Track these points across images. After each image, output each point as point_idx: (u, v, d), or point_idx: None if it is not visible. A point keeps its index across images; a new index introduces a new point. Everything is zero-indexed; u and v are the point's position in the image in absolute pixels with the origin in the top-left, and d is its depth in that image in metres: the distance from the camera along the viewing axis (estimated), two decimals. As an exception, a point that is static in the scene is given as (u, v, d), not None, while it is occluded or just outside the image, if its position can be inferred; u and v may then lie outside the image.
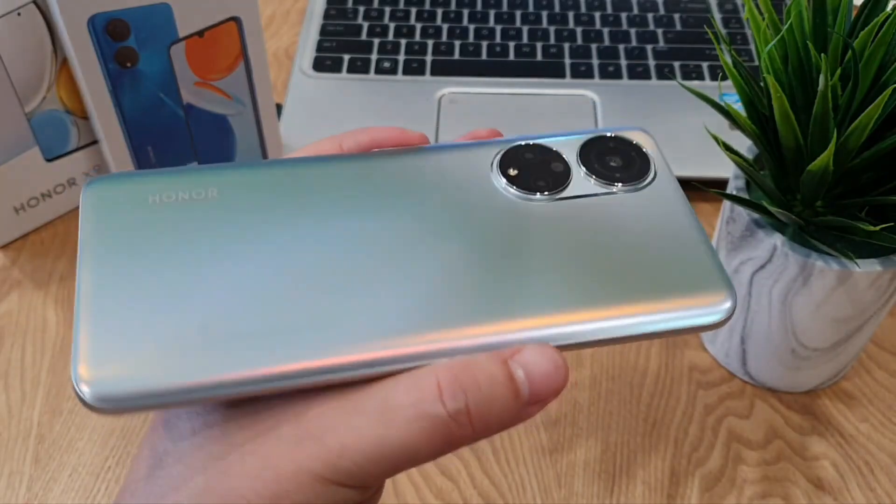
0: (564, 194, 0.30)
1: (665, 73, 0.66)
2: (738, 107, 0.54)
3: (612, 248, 0.28)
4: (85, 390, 0.23)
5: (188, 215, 0.28)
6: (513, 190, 0.29)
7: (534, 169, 0.30)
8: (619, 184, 0.30)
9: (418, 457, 0.25)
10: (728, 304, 0.27)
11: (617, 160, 0.31)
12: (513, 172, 0.30)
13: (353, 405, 0.25)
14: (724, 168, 0.58)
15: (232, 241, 0.27)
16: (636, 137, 0.32)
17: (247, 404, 0.26)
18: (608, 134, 0.32)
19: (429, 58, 0.67)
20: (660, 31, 0.70)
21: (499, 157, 0.30)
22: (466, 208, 0.29)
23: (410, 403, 0.25)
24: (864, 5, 0.41)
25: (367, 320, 0.26)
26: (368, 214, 0.29)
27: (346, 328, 0.26)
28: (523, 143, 0.31)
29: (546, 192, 0.29)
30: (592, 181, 0.30)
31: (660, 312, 0.26)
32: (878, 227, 0.38)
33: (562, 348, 0.26)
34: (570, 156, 0.31)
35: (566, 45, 0.68)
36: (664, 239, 0.28)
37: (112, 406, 0.23)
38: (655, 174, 0.30)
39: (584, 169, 0.30)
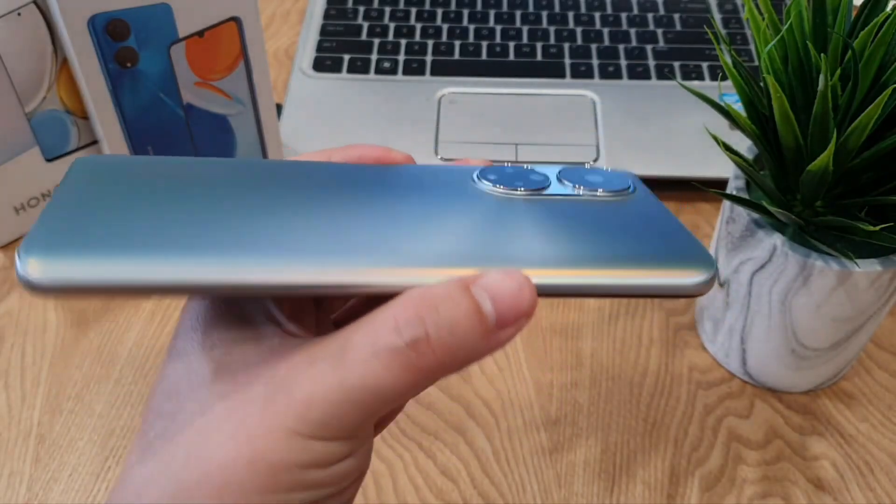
0: (546, 193, 0.30)
1: (665, 74, 0.66)
2: (737, 107, 0.54)
3: (595, 229, 0.28)
4: (23, 256, 0.23)
5: (167, 174, 0.28)
6: (495, 188, 0.30)
7: (515, 177, 0.31)
8: (600, 189, 0.31)
9: (386, 394, 0.24)
10: (707, 274, 0.27)
11: (597, 178, 0.32)
12: (493, 177, 0.31)
13: (316, 354, 0.25)
14: (723, 168, 0.58)
15: (205, 189, 0.28)
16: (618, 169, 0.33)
17: (224, 368, 0.25)
18: (588, 165, 0.32)
19: (429, 58, 0.67)
20: (660, 32, 0.70)
21: (480, 169, 0.31)
22: (448, 193, 0.29)
23: (367, 342, 0.24)
24: (863, 5, 0.41)
25: (326, 247, 0.25)
26: (348, 186, 0.29)
27: (302, 249, 0.25)
28: (506, 163, 0.32)
29: (527, 190, 0.30)
30: (572, 188, 0.31)
31: (641, 271, 0.26)
32: (877, 227, 0.38)
33: (541, 292, 0.25)
34: (552, 174, 0.32)
35: (566, 45, 0.68)
36: (646, 228, 0.29)
37: (46, 274, 0.23)
38: (635, 189, 0.31)
39: (565, 181, 0.31)
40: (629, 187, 0.31)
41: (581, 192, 0.31)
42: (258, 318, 0.27)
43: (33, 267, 0.22)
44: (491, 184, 0.30)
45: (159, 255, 0.24)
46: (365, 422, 0.25)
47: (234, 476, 0.24)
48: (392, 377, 0.24)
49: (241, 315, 0.27)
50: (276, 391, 0.24)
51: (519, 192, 0.30)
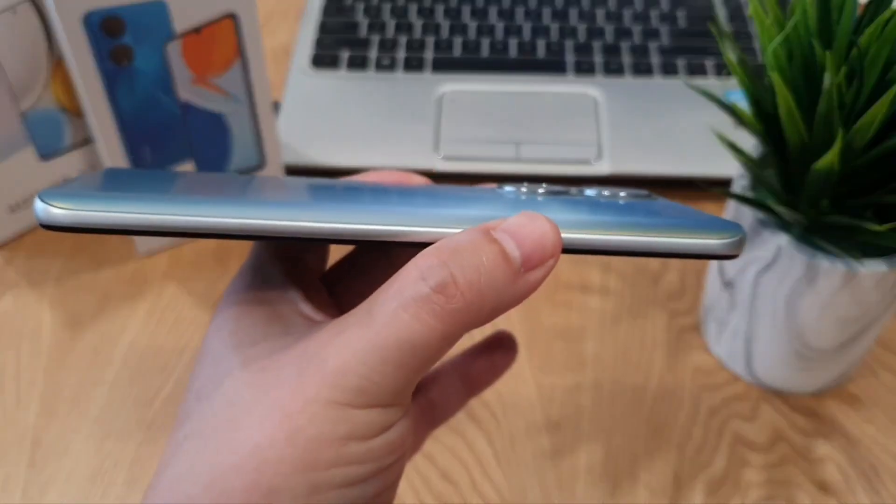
0: (569, 195, 0.31)
1: (669, 71, 0.66)
2: (742, 105, 0.54)
3: (623, 210, 0.28)
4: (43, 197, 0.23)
5: (188, 178, 0.30)
6: (519, 189, 0.31)
7: (537, 187, 0.32)
8: (622, 192, 0.31)
9: (420, 346, 0.23)
10: (737, 236, 0.26)
11: (616, 189, 0.32)
12: (516, 186, 0.32)
13: (344, 323, 0.24)
14: (728, 166, 0.58)
15: (232, 187, 0.29)
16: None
17: (252, 360, 0.25)
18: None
19: (429, 55, 0.67)
20: (663, 28, 0.69)
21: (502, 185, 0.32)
22: (475, 194, 0.30)
23: (393, 297, 0.23)
24: (869, 2, 0.40)
25: (345, 204, 0.25)
26: (374, 189, 0.30)
27: (325, 205, 0.25)
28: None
29: (550, 192, 0.31)
30: (595, 193, 0.31)
31: (672, 235, 0.26)
32: (884, 227, 0.38)
33: (570, 248, 0.25)
34: (572, 189, 0.32)
35: (568, 42, 0.68)
36: (674, 212, 0.29)
37: (65, 207, 0.23)
38: (654, 197, 0.32)
39: (586, 191, 0.32)
40: (648, 195, 0.32)
41: (604, 194, 0.31)
42: (286, 313, 0.27)
43: (52, 195, 0.23)
44: (515, 189, 0.31)
45: (176, 200, 0.24)
46: (403, 383, 0.24)
47: (272, 454, 0.23)
48: (423, 327, 0.23)
49: (270, 312, 0.27)
50: (307, 365, 0.24)
51: (542, 191, 0.31)
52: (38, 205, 0.23)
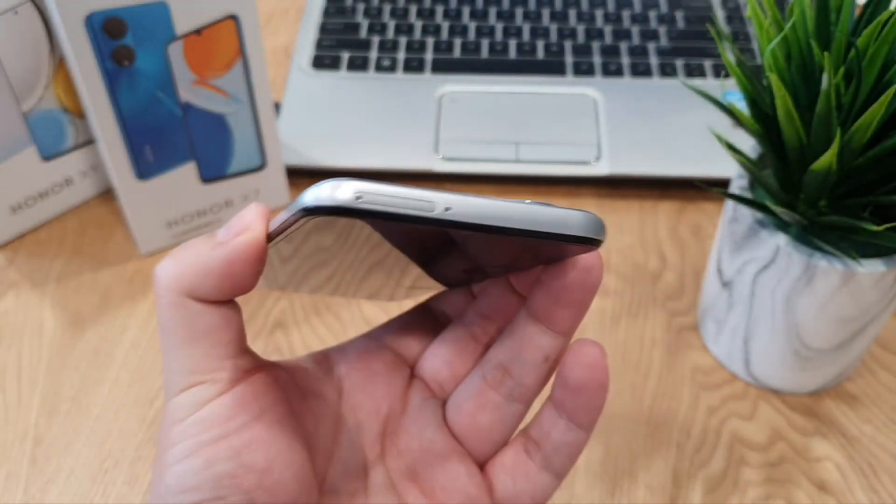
0: None
1: (667, 72, 0.66)
2: (740, 105, 0.54)
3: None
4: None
5: None
6: None
7: None
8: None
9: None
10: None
11: None
12: None
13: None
14: (726, 167, 0.58)
15: None
16: None
17: None
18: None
19: (429, 56, 0.67)
20: (662, 29, 0.69)
21: None
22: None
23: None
24: (867, 3, 0.41)
25: None
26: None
27: None
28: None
29: None
30: None
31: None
32: (881, 227, 0.38)
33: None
34: None
35: (568, 43, 0.68)
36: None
37: None
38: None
39: None
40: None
41: None
42: None
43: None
44: None
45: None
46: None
47: None
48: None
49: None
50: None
51: None
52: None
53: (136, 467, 0.46)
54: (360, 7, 0.71)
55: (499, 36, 0.69)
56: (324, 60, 0.67)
